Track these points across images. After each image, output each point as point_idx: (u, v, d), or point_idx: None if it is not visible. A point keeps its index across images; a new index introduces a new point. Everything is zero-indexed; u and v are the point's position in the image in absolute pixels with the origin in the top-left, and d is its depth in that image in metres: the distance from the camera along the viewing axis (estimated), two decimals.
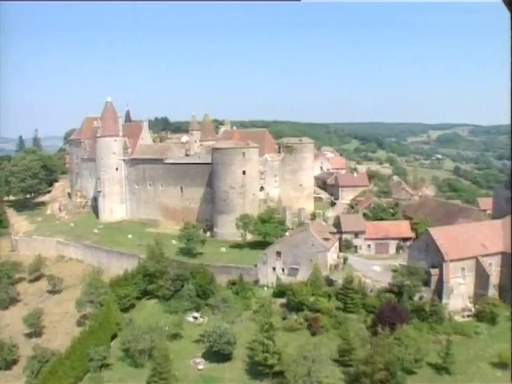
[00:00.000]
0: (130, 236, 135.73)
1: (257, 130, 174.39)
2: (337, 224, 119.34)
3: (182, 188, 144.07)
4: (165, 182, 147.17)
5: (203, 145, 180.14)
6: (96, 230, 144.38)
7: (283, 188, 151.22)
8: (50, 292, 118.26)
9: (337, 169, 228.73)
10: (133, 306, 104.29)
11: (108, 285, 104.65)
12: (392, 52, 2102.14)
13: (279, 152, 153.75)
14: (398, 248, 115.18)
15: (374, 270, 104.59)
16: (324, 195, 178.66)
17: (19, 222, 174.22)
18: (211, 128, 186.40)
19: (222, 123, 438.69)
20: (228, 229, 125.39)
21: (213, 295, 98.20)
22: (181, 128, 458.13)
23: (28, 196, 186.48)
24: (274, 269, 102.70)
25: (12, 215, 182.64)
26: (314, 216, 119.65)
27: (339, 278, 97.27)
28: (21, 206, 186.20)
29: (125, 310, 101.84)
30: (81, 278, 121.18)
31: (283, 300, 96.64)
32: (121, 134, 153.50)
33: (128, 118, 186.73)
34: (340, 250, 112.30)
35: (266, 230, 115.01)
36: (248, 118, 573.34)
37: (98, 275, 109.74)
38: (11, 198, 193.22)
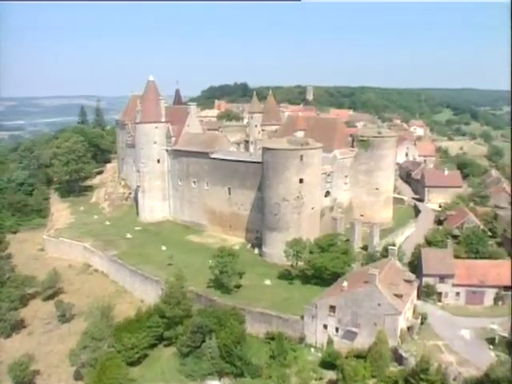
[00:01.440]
0: (163, 248, 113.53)
1: (328, 119, 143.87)
2: (417, 256, 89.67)
3: (229, 189, 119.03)
4: (211, 181, 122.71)
5: (265, 130, 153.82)
6: (129, 235, 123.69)
7: (355, 191, 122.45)
8: (60, 318, 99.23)
9: (425, 156, 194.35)
10: (145, 356, 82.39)
11: (113, 331, 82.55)
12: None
13: (352, 146, 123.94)
14: (497, 299, 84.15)
15: (462, 336, 74.90)
16: (406, 196, 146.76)
17: (60, 211, 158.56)
18: (275, 110, 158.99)
19: (304, 89, 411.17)
20: (279, 250, 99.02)
21: (240, 361, 73.44)
22: (261, 95, 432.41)
23: (76, 178, 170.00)
24: (325, 326, 75.96)
25: (55, 201, 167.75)
26: (386, 249, 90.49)
27: (412, 353, 69.34)
28: (67, 191, 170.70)
29: (133, 363, 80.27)
30: (99, 299, 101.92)
31: (333, 374, 70.62)
32: (163, 119, 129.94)
33: (178, 99, 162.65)
34: (418, 297, 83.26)
35: (324, 262, 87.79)
36: (333, 83, 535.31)
37: (107, 311, 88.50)
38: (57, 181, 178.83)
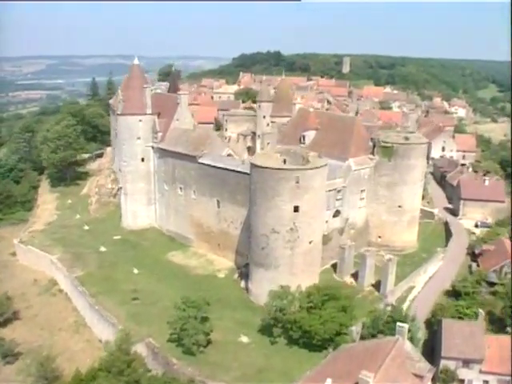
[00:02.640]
0: (135, 271, 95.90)
1: (344, 117, 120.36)
2: (436, 321, 68.74)
3: (218, 202, 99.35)
4: (198, 189, 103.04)
5: (275, 122, 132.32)
6: (103, 248, 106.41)
7: (373, 208, 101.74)
8: (2, 357, 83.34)
9: (464, 151, 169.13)
10: None
11: None
12: None
13: (372, 154, 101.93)
14: None
15: None
16: (437, 207, 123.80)
17: (47, 203, 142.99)
18: (288, 99, 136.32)
19: (341, 59, 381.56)
20: (265, 290, 79.55)
21: None
22: (294, 65, 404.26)
23: (71, 163, 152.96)
24: None
25: (44, 191, 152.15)
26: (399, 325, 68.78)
27: None
28: (58, 179, 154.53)
29: None
30: (54, 333, 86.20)
31: None
32: (149, 110, 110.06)
33: (173, 84, 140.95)
34: None
35: (314, 325, 68.06)
36: (373, 51, 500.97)
37: (46, 364, 71.74)
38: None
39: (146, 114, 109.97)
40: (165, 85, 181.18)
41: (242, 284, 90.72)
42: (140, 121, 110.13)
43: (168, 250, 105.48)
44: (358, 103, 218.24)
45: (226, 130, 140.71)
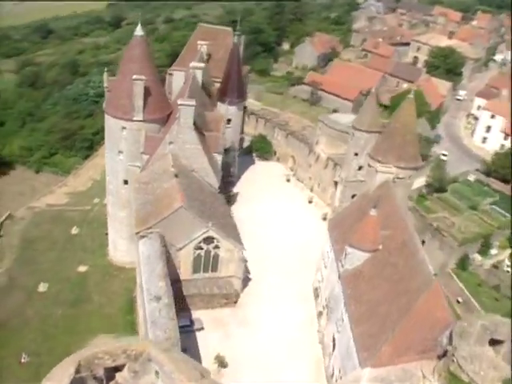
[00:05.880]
0: None
1: None
2: None
3: None
4: None
5: None
6: (43, 288, 75.18)
7: None
8: None
9: None
10: None
11: None
12: None
13: None
14: None
15: None
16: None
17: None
18: None
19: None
20: None
21: None
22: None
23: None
24: None
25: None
26: None
27: None
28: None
29: None
30: None
31: None
32: (138, 115, 68.62)
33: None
34: None
35: None
36: None
37: None
38: None
39: (132, 121, 69.20)
40: None
41: None
42: (123, 128, 70.10)
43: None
44: None
45: (317, 143, 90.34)
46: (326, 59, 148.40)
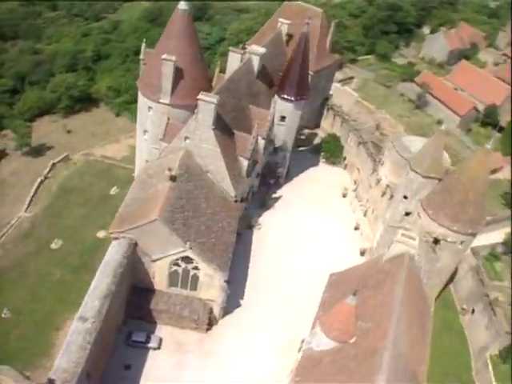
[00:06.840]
0: None
1: None
2: None
3: None
4: None
5: None
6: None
7: None
8: None
9: None
10: None
11: None
12: None
13: None
14: None
15: None
16: None
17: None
18: None
19: None
20: None
21: None
22: None
23: None
24: None
25: None
26: None
27: None
28: None
29: None
30: None
31: None
32: (166, 98, 62.20)
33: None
34: None
35: None
36: None
37: None
38: None
39: (158, 103, 62.97)
40: None
41: None
42: (150, 108, 64.27)
43: None
44: None
45: (383, 164, 76.77)
46: (461, 56, 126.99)
